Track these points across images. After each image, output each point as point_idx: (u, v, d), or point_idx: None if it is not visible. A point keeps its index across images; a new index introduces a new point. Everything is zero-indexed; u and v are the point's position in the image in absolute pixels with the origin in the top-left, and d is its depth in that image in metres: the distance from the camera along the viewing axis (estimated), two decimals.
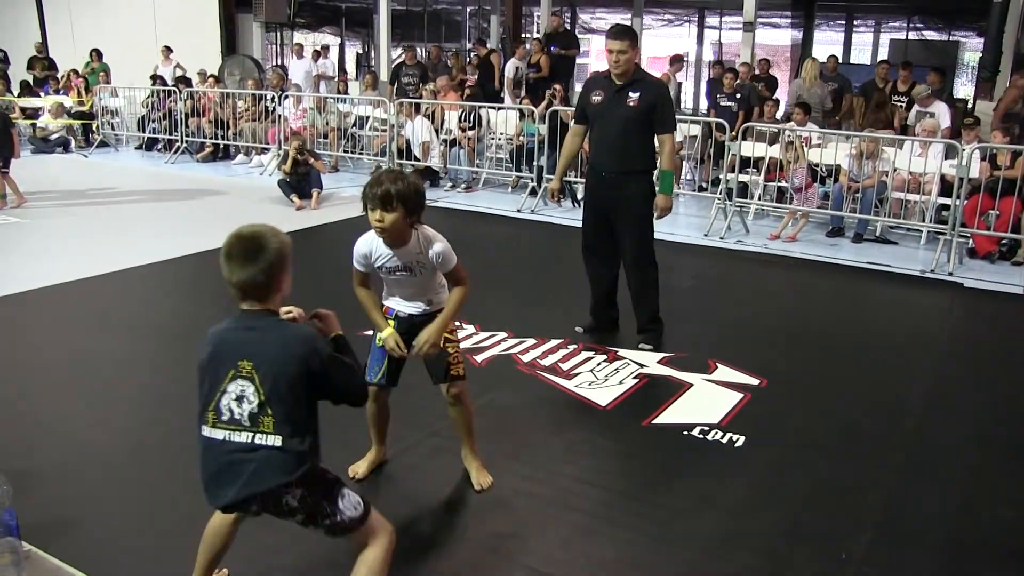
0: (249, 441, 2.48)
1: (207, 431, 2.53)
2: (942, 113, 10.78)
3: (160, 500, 3.66)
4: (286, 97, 13.37)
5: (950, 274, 8.14)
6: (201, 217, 9.79)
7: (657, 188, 5.60)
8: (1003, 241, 8.95)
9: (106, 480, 3.87)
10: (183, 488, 3.44)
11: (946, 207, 9.00)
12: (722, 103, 12.11)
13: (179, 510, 3.47)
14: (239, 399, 2.49)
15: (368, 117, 13.45)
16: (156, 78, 15.92)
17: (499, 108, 12.55)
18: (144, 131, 15.44)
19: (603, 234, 5.74)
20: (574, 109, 6.18)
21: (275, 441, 2.48)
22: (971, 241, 9.06)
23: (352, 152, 13.21)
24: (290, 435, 2.49)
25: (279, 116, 12.99)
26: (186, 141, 14.34)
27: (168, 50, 16.86)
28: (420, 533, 3.49)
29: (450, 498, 3.78)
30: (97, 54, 17.14)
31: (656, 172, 5.66)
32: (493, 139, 12.42)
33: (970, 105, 13.78)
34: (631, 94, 5.41)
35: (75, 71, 16.80)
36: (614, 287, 5.93)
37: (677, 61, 13.81)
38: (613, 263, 5.83)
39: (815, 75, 12.28)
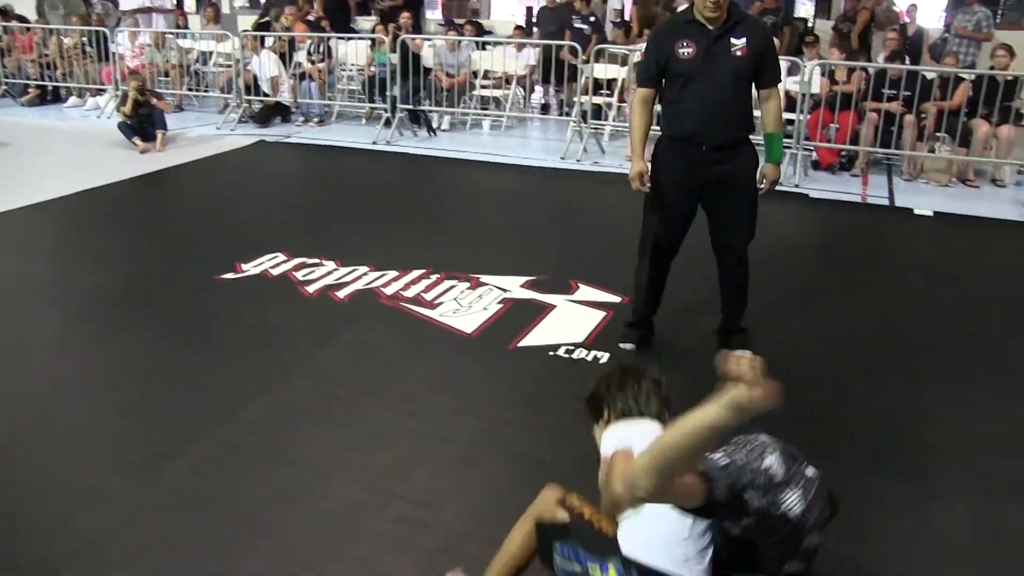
0: None
1: None
2: None
3: None
4: (120, 32, 12.70)
5: (796, 186, 8.47)
6: (37, 166, 9.24)
7: (766, 156, 4.52)
8: (842, 153, 9.41)
9: None
10: None
11: (791, 122, 9.28)
12: (576, 25, 12.12)
13: None
14: None
15: (212, 52, 12.95)
16: None
17: (349, 38, 12.26)
18: None
19: (686, 225, 4.52)
20: (639, 67, 4.66)
21: None
22: (814, 154, 9.42)
23: (197, 90, 12.72)
24: None
25: (113, 54, 12.34)
26: (5, 83, 13.37)
27: None
28: (296, 476, 3.45)
29: (325, 437, 3.73)
30: None
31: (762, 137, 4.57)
32: (344, 71, 12.14)
33: (810, 24, 14.16)
34: (735, 40, 4.19)
35: None
36: (664, 287, 4.76)
37: None
38: (673, 260, 4.69)
39: None
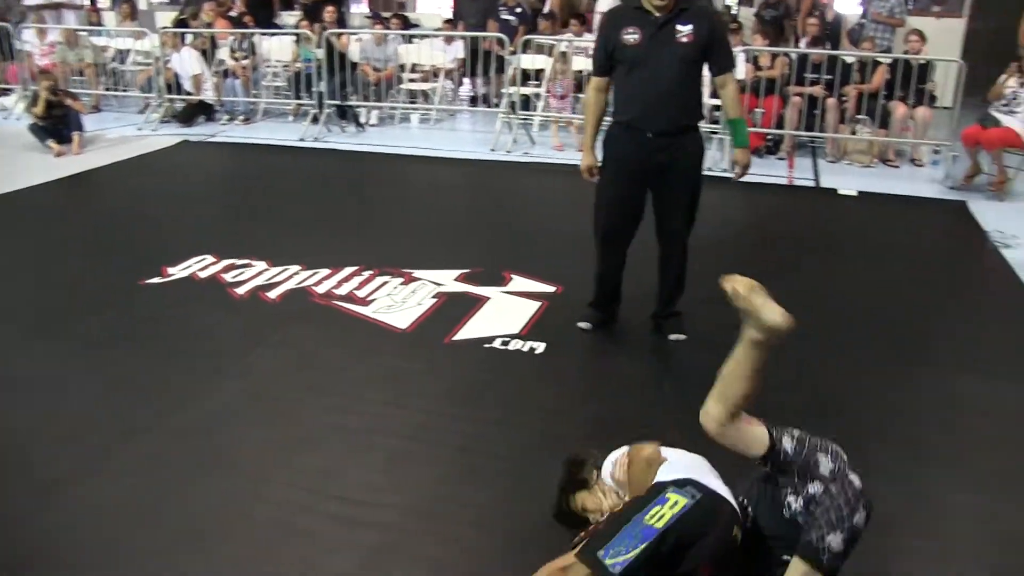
0: None
1: None
2: None
3: None
4: (25, 28, 12.29)
5: (725, 170, 8.54)
6: None
7: (732, 142, 4.66)
8: (768, 136, 9.58)
9: None
10: None
11: (717, 107, 9.37)
12: (503, 16, 12.09)
13: None
14: None
15: (129, 51, 12.65)
16: None
17: (273, 34, 12.08)
18: None
19: (636, 212, 4.55)
20: (593, 55, 4.61)
21: None
22: None
23: (115, 89, 12.43)
24: None
25: (19, 51, 11.91)
26: None
27: None
28: (229, 482, 3.40)
29: (259, 440, 3.68)
30: None
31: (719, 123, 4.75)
32: (269, 67, 11.96)
33: (734, 11, 14.30)
34: (680, 27, 4.21)
35: None
36: (623, 275, 4.80)
37: None
38: (628, 246, 4.69)
39: None
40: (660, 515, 2.37)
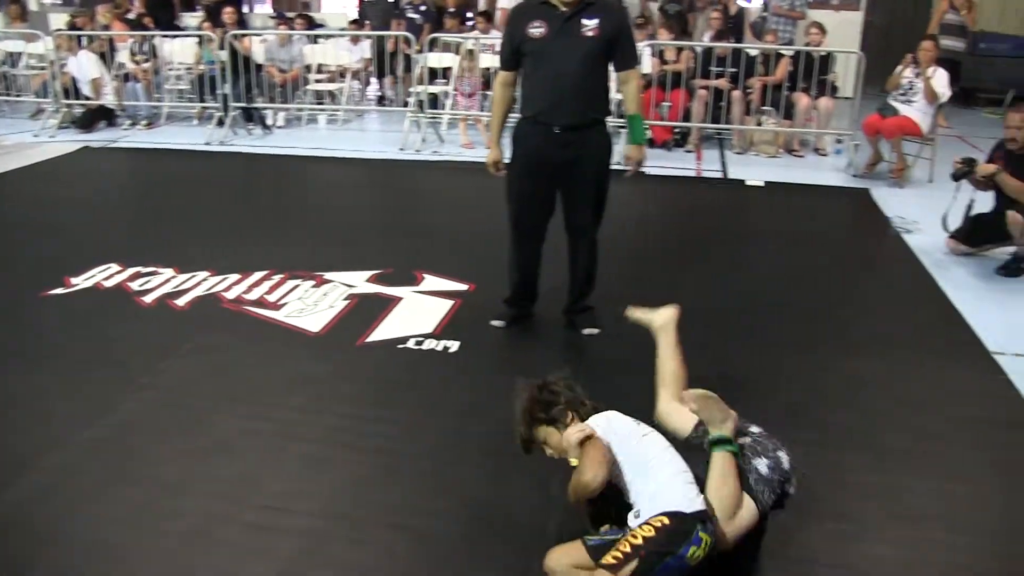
0: None
1: None
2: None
3: None
4: None
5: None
6: None
7: (628, 138, 4.61)
8: (676, 130, 9.71)
9: None
10: None
11: (641, 98, 9.48)
12: (408, 15, 12.04)
13: None
14: None
15: (21, 54, 12.25)
16: None
17: (174, 36, 11.82)
18: None
19: (546, 207, 4.54)
20: (500, 50, 4.63)
21: None
22: (649, 132, 9.63)
23: (7, 94, 12.02)
24: None
25: None
26: None
27: None
28: (143, 495, 3.32)
29: (173, 451, 3.60)
30: None
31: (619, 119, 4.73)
32: (172, 70, 11.71)
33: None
34: (585, 21, 4.20)
35: None
36: (538, 271, 4.78)
37: None
38: (542, 242, 4.68)
39: None
40: (696, 556, 2.54)
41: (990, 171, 5.71)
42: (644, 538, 2.53)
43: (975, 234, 6.04)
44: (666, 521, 2.55)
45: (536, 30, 4.22)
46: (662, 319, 3.42)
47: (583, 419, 2.83)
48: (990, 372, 4.41)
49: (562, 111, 4.26)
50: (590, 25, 4.19)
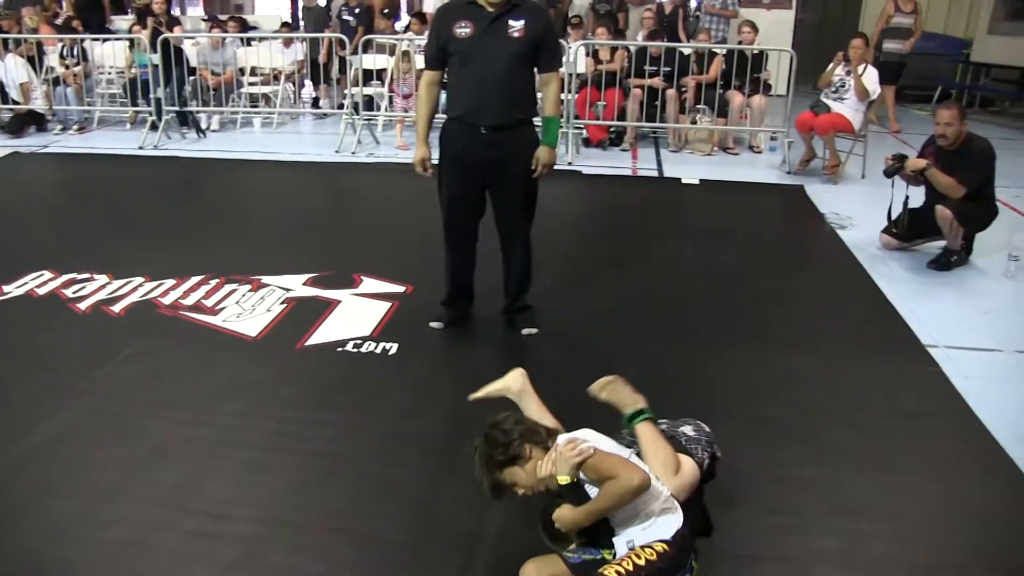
0: None
1: None
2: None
3: None
4: None
5: (570, 163, 8.76)
6: None
7: (541, 139, 4.45)
8: (611, 129, 9.79)
9: None
10: None
11: (560, 102, 9.52)
12: (343, 17, 11.97)
13: None
14: None
15: None
16: None
17: (105, 39, 11.61)
18: None
19: (476, 208, 4.55)
20: (425, 49, 4.64)
21: None
22: (585, 131, 9.72)
23: None
24: None
25: None
26: None
27: None
28: (80, 505, 3.27)
29: (110, 459, 3.55)
30: None
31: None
32: (103, 73, 11.52)
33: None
34: (512, 23, 4.21)
35: None
36: (473, 272, 4.79)
37: None
38: (475, 242, 4.69)
39: None
40: None
41: (920, 166, 5.84)
42: (648, 560, 2.56)
43: (908, 229, 6.18)
44: (667, 548, 2.59)
45: (462, 30, 4.23)
46: (518, 384, 3.15)
47: (544, 448, 2.78)
48: (924, 365, 4.51)
49: (488, 111, 4.27)
50: (516, 26, 4.21)
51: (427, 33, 4.63)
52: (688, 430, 2.94)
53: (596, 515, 2.64)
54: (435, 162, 4.55)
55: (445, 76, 4.50)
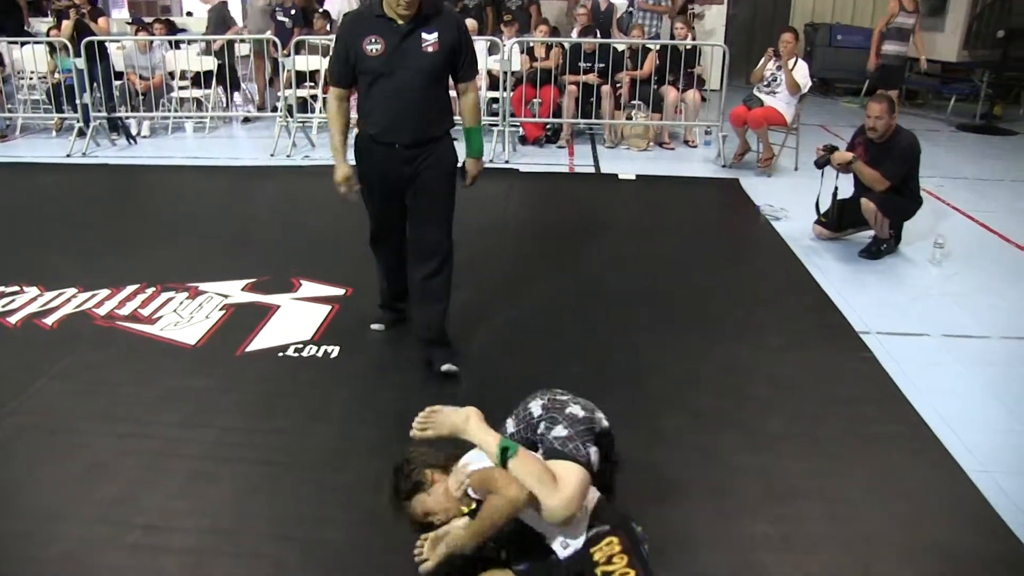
0: None
1: None
2: None
3: None
4: None
5: (507, 161, 8.75)
6: None
7: (466, 151, 4.36)
8: (547, 126, 9.82)
9: None
10: None
11: (495, 100, 9.54)
12: (278, 18, 11.82)
13: None
14: None
15: None
16: None
17: (23, 43, 11.28)
18: None
19: (396, 217, 4.38)
20: (330, 65, 4.41)
21: None
22: (521, 129, 9.74)
23: None
24: None
25: None
26: None
27: None
28: (16, 526, 3.20)
29: (47, 477, 3.48)
30: None
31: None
32: (23, 79, 11.23)
33: (508, 3, 14.54)
34: (425, 36, 4.00)
35: None
36: (404, 273, 4.56)
37: None
38: (403, 246, 4.48)
39: None
40: None
41: (846, 159, 5.96)
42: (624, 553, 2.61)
43: (839, 219, 6.30)
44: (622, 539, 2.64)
45: (373, 47, 4.00)
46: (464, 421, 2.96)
47: (445, 471, 2.81)
48: (857, 351, 4.62)
49: (404, 129, 4.09)
50: (430, 40, 4.01)
51: (332, 46, 4.43)
52: (578, 410, 2.87)
53: (482, 532, 2.63)
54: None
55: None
